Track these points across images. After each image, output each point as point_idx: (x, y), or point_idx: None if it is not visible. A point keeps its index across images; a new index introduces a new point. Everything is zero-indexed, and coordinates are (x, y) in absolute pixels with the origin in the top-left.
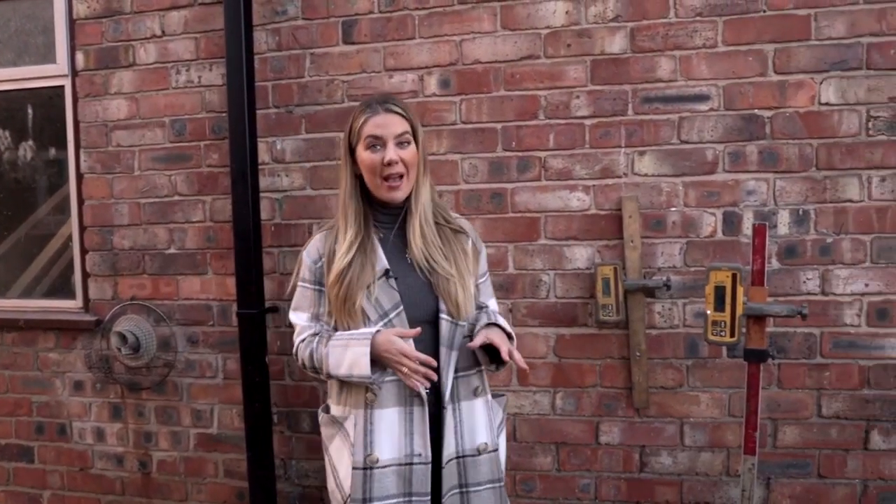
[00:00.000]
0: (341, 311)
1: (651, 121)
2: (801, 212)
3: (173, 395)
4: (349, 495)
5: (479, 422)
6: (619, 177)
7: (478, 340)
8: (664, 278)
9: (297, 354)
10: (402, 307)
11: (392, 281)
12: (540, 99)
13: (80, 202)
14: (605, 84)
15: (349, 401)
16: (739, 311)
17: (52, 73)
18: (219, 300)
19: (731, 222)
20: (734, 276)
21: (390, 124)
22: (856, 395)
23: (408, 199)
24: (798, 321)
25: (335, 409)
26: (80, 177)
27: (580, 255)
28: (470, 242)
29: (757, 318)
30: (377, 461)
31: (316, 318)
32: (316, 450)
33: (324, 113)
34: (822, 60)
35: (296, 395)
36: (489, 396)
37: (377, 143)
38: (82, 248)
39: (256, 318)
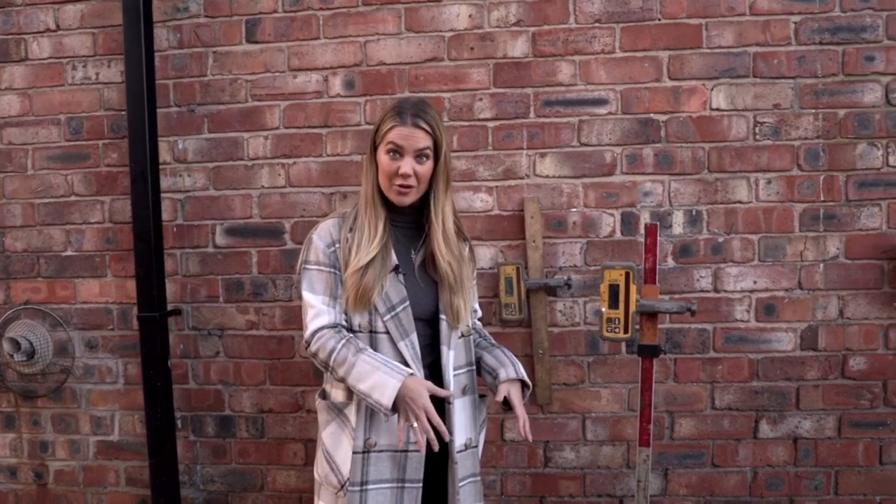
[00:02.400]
0: (356, 301)
1: (552, 123)
2: (694, 212)
3: (71, 403)
4: (347, 479)
5: (466, 419)
6: (522, 178)
7: (500, 395)
8: (565, 277)
9: (309, 341)
10: (408, 303)
11: (401, 276)
12: (444, 101)
13: None
14: (508, 87)
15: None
16: (632, 308)
17: None
18: (119, 303)
19: (629, 222)
20: (627, 274)
21: (414, 138)
22: (746, 387)
23: (427, 206)
24: (692, 318)
25: (336, 395)
26: None
27: (484, 255)
28: (468, 248)
29: (649, 315)
30: (375, 444)
31: (334, 298)
32: (221, 454)
33: (227, 112)
34: (713, 68)
35: (200, 399)
36: (476, 395)
37: (397, 151)
38: None
39: (158, 321)
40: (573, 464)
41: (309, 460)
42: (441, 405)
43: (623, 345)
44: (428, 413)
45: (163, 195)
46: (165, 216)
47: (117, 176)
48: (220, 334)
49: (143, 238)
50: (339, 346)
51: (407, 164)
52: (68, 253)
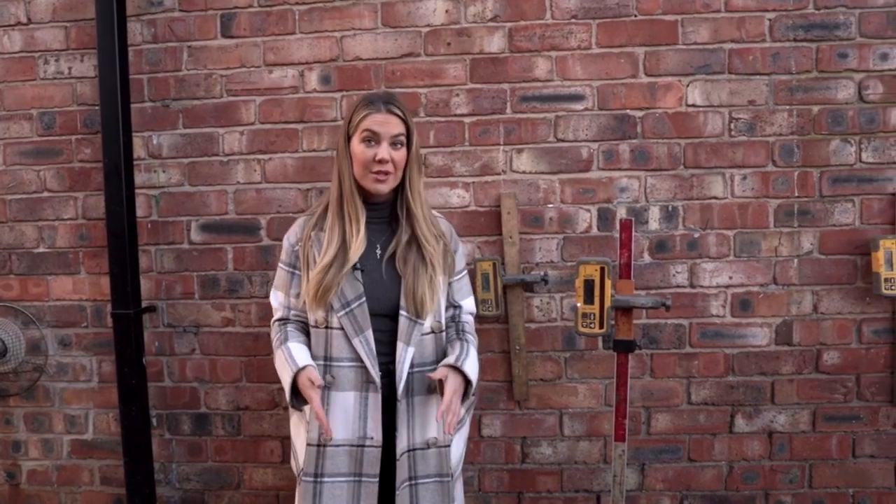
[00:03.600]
0: (314, 300)
1: (528, 119)
2: (670, 208)
3: (44, 401)
4: (302, 469)
5: (431, 417)
6: (498, 174)
7: (436, 375)
8: (542, 273)
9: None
10: (364, 299)
11: (358, 273)
12: (420, 96)
13: None
14: (484, 83)
15: None
16: (607, 303)
17: None
18: (93, 300)
19: (606, 218)
20: (602, 269)
21: (389, 124)
22: (721, 381)
23: (403, 198)
24: (668, 313)
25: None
26: None
27: None
28: (442, 244)
29: (624, 310)
30: (330, 440)
31: (287, 296)
32: (197, 452)
33: (202, 108)
34: (689, 64)
35: (175, 396)
36: None
37: (373, 138)
38: None
39: (132, 318)
40: (550, 459)
41: (286, 458)
42: (392, 403)
43: (600, 340)
44: (312, 404)
45: (137, 191)
46: (140, 212)
47: (91, 172)
48: (195, 331)
49: (117, 234)
50: (274, 339)
51: (384, 150)
52: (41, 249)
